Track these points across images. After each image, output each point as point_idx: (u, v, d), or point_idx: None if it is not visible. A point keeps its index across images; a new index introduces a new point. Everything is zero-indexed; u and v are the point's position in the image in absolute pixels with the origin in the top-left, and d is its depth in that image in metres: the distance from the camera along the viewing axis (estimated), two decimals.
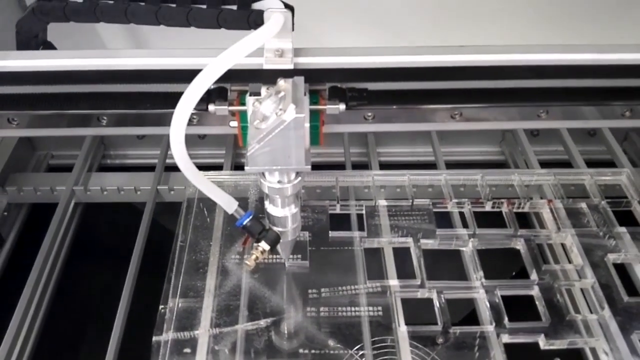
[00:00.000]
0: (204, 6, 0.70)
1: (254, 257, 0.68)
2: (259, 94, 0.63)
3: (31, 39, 0.77)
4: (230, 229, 0.83)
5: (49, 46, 0.81)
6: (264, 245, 0.68)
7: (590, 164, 0.99)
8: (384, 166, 1.03)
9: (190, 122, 0.72)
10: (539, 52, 0.76)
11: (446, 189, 0.89)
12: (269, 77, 0.65)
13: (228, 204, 0.66)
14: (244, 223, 0.67)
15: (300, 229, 0.81)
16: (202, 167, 0.89)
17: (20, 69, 0.74)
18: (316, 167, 1.09)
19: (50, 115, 0.76)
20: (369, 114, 0.73)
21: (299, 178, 0.64)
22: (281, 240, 0.70)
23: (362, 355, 0.69)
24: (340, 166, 1.05)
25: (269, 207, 0.68)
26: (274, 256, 0.78)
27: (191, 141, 1.10)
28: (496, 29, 1.18)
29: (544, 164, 1.00)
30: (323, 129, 0.71)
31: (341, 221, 0.85)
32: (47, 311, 0.86)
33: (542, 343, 0.71)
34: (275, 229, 0.69)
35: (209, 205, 0.86)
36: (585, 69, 0.76)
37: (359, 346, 0.70)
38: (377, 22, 1.15)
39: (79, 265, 0.98)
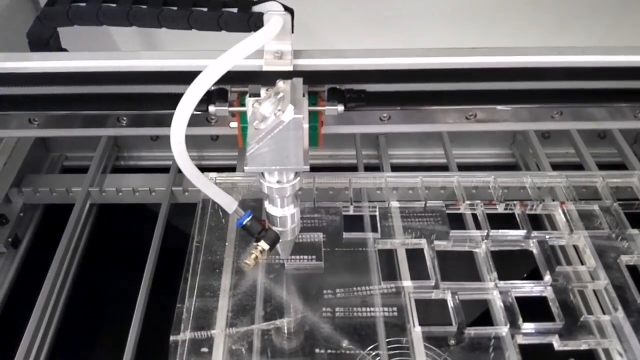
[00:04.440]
0: (205, 9, 0.71)
1: (253, 256, 0.69)
2: (258, 95, 0.63)
3: (43, 46, 0.78)
4: None
5: None
6: (263, 245, 0.69)
7: (601, 166, 1.00)
8: (395, 168, 1.03)
9: (208, 123, 0.73)
10: (549, 54, 0.77)
11: (459, 190, 0.90)
12: (269, 78, 0.66)
13: (228, 204, 0.67)
14: (244, 223, 0.68)
15: (312, 230, 0.83)
16: (215, 169, 0.91)
17: (38, 70, 0.75)
18: (328, 168, 1.11)
19: (65, 116, 0.76)
20: (385, 114, 0.73)
21: (298, 178, 0.65)
22: (280, 240, 0.71)
23: (377, 356, 0.70)
24: (351, 168, 1.06)
25: (268, 207, 0.69)
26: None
27: (204, 143, 1.12)
28: (508, 32, 1.18)
29: (555, 167, 1.00)
30: (322, 130, 0.71)
31: (355, 222, 0.86)
32: (63, 312, 0.87)
33: (557, 344, 0.71)
34: (274, 228, 0.70)
35: None
36: (597, 71, 0.77)
37: (373, 346, 0.71)
38: (390, 26, 1.15)
39: (95, 265, 0.99)
